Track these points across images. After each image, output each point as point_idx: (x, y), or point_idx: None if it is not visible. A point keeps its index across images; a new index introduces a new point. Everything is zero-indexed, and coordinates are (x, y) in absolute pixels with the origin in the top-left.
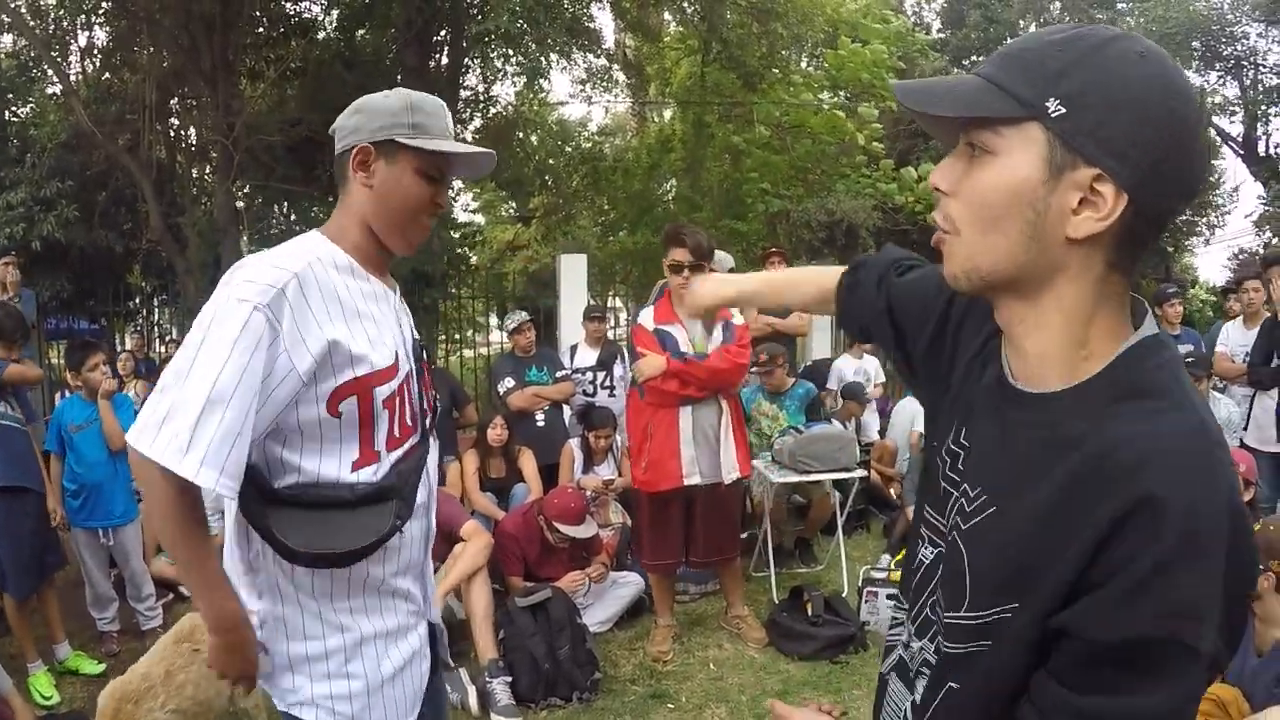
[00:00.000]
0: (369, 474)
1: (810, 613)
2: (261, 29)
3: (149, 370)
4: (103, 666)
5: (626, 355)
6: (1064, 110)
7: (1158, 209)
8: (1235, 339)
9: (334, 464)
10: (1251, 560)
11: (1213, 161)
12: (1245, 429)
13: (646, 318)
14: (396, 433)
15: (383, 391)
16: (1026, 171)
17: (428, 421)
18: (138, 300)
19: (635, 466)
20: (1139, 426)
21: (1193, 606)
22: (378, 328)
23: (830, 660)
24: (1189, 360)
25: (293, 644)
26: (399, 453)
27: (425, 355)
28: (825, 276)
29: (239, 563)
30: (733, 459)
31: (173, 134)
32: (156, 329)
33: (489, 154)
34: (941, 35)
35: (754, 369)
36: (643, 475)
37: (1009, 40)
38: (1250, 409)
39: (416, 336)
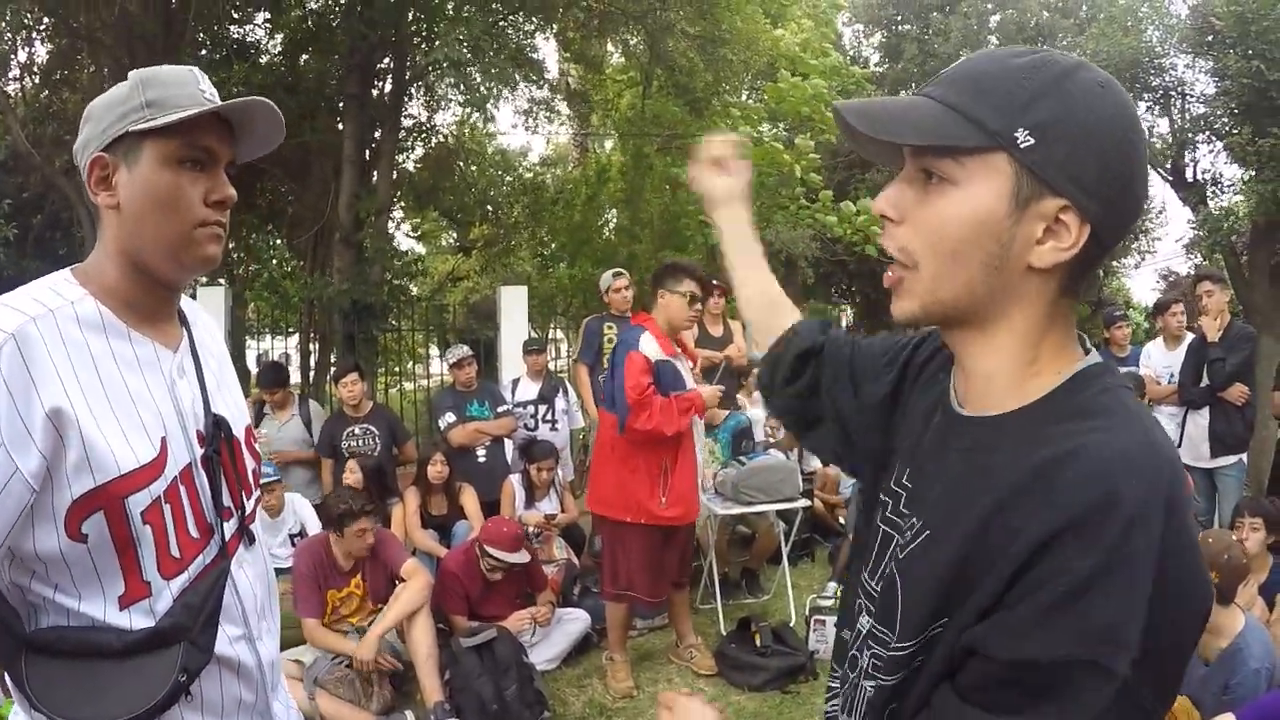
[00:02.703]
0: (141, 613)
1: (759, 643)
2: (204, 51)
3: None
4: None
5: (569, 388)
6: (1033, 141)
7: (1114, 236)
8: (1157, 360)
9: (96, 601)
10: (1191, 583)
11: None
12: (1180, 446)
13: (651, 348)
14: (176, 551)
15: (139, 502)
16: (991, 203)
17: (243, 515)
18: None
19: (652, 500)
20: (1078, 441)
21: (1110, 628)
22: (134, 406)
23: (780, 690)
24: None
25: None
26: (184, 578)
27: (235, 428)
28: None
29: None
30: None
31: None
32: None
33: (262, 104)
34: (879, 69)
35: None
36: (667, 511)
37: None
38: (1183, 427)
39: (216, 410)
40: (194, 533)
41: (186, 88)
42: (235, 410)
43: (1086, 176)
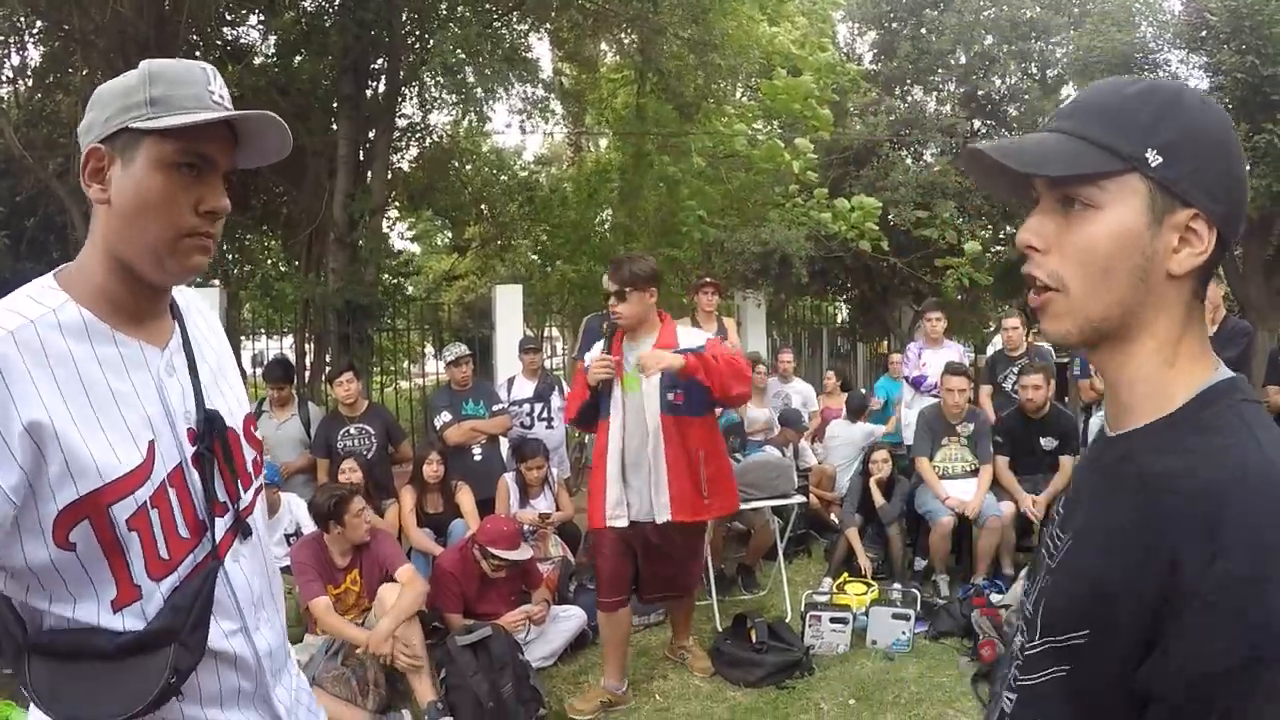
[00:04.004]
0: (133, 616)
1: (754, 639)
2: (198, 53)
3: None
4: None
5: (564, 386)
6: (1162, 160)
7: (1234, 234)
8: None
9: (90, 606)
10: None
11: None
12: None
13: (597, 354)
14: (165, 553)
15: (124, 509)
16: (1132, 220)
17: (239, 509)
18: None
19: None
20: (1207, 459)
21: (1270, 625)
22: (119, 411)
23: (776, 686)
24: None
25: None
26: (174, 578)
27: (231, 420)
28: None
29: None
30: (665, 499)
31: None
32: None
33: (269, 118)
34: (874, 67)
35: None
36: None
37: (987, 91)
38: None
39: (210, 404)
40: (184, 533)
41: (195, 87)
42: (234, 400)
43: (1212, 185)
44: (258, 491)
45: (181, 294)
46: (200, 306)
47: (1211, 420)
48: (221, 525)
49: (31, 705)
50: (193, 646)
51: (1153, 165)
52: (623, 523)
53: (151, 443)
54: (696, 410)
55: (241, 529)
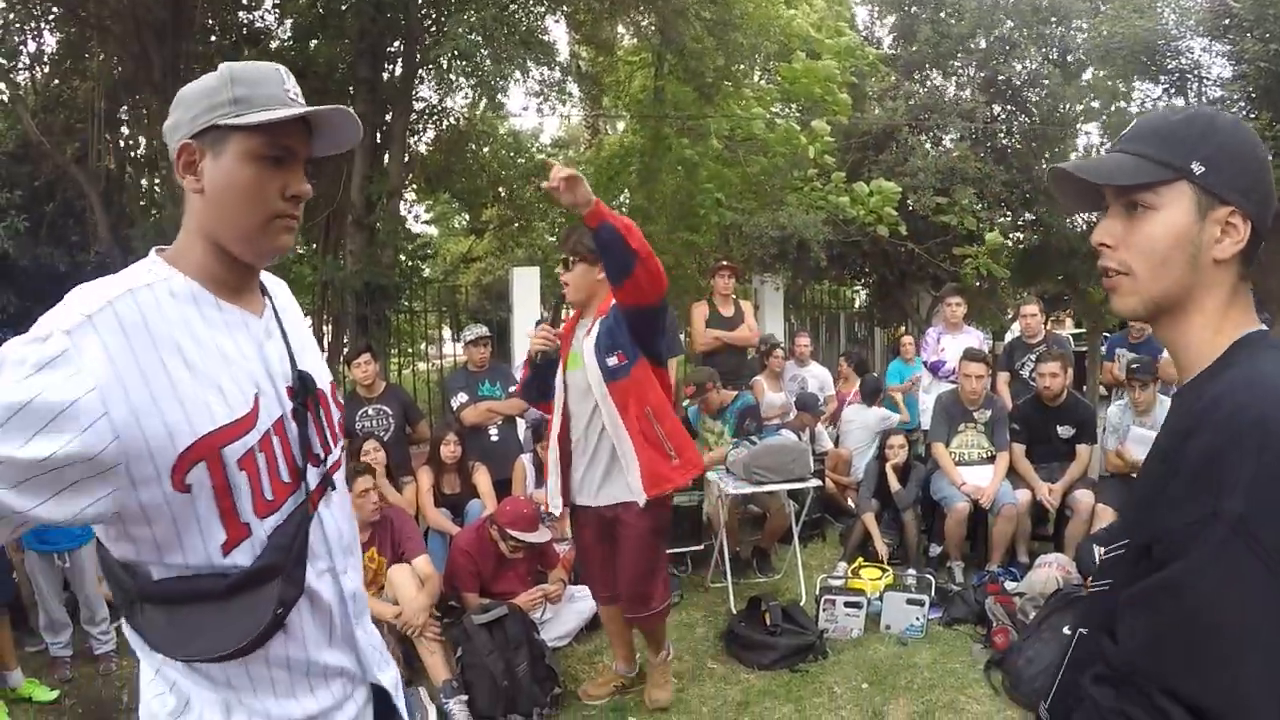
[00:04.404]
0: (243, 555)
1: (769, 623)
2: (214, 38)
3: None
4: (56, 693)
5: None
6: (1204, 169)
7: (1265, 225)
8: None
9: (201, 553)
10: None
11: None
12: None
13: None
14: (269, 494)
15: (234, 452)
16: (1184, 218)
17: (327, 463)
18: None
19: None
20: (1221, 384)
21: (1231, 483)
22: (227, 367)
23: (790, 669)
24: (1134, 366)
25: None
26: (276, 518)
27: (320, 382)
28: None
29: (147, 655)
30: (635, 475)
31: (122, 144)
32: None
33: (342, 111)
34: (893, 51)
35: (686, 401)
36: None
37: (1001, 72)
38: None
39: (301, 368)
40: (285, 477)
41: (272, 87)
42: (318, 368)
43: (1245, 186)
44: (343, 450)
45: (265, 276)
46: (281, 288)
47: (1231, 357)
48: (314, 475)
49: (142, 654)
50: (295, 581)
51: (1197, 173)
52: (558, 509)
53: (256, 395)
54: (634, 358)
55: (329, 482)
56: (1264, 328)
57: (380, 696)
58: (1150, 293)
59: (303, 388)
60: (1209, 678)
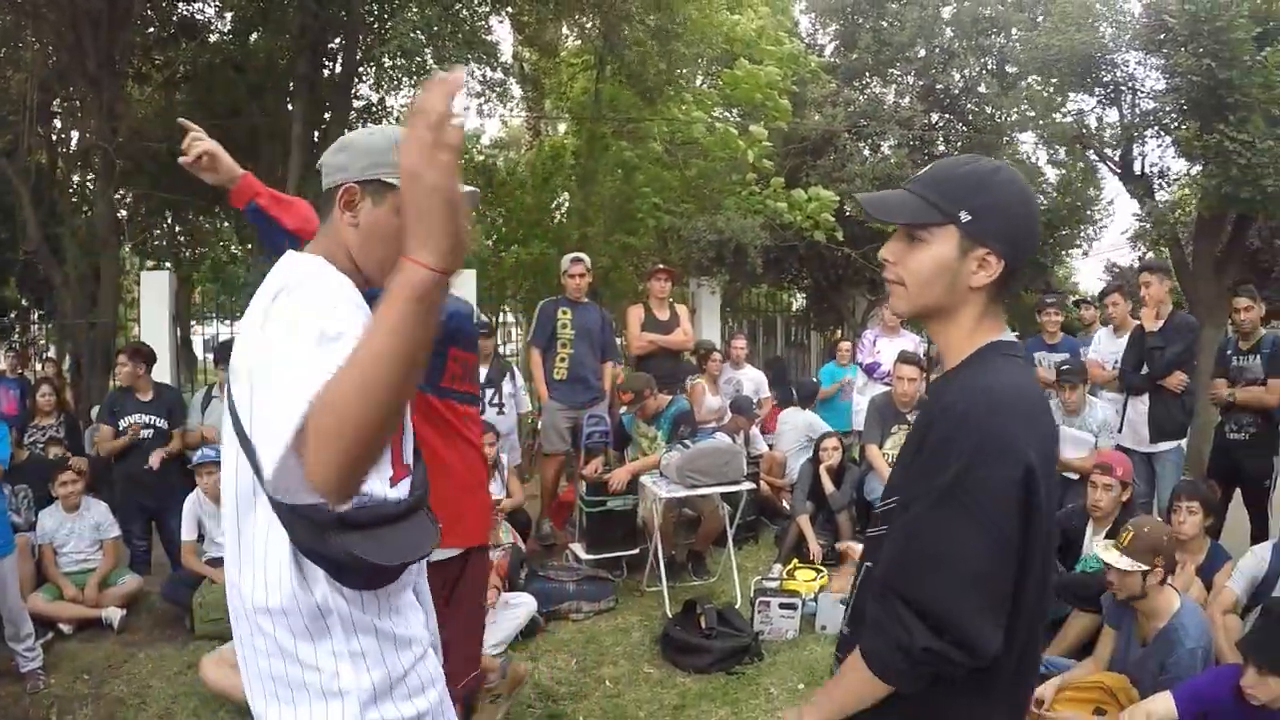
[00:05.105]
0: (401, 490)
1: (704, 625)
2: (152, 29)
3: (22, 392)
4: None
5: (517, 372)
6: (971, 218)
7: (1019, 264)
8: (1105, 346)
9: (377, 484)
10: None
11: (1098, 177)
12: (1120, 430)
13: None
14: (413, 444)
15: None
16: (948, 254)
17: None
18: (13, 315)
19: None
20: (954, 391)
21: (951, 460)
22: None
23: (726, 672)
24: (1064, 368)
25: (374, 672)
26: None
27: None
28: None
29: (304, 619)
30: None
31: (54, 137)
32: (33, 347)
33: (474, 192)
34: (834, 59)
35: (623, 409)
36: None
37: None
38: (1124, 412)
39: None
40: (409, 436)
41: None
42: None
43: (1003, 235)
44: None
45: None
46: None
47: (974, 359)
48: None
49: (322, 575)
50: (433, 519)
51: (964, 221)
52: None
53: None
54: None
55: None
56: (1009, 338)
57: None
58: (916, 303)
59: None
60: (928, 588)
